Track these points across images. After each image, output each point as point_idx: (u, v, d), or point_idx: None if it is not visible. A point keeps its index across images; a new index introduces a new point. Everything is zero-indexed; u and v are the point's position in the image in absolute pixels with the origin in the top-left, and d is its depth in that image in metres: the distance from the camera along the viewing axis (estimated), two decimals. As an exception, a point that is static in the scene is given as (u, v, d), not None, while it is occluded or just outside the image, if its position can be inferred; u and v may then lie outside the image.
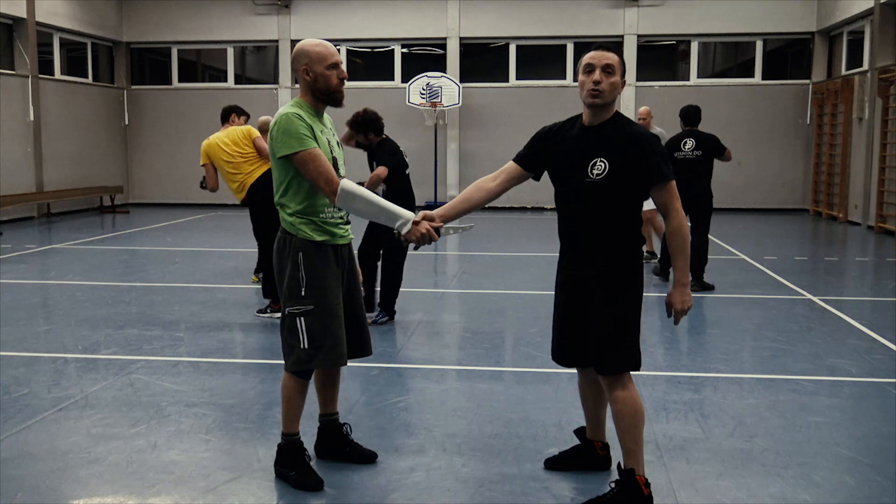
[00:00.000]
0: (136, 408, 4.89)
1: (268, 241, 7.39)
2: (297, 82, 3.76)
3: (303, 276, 3.68)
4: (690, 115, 9.09)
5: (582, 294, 3.57)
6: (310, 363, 3.73)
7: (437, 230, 3.66)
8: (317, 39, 3.77)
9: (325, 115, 3.88)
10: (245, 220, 11.18)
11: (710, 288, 8.83)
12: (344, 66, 3.78)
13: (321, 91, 3.70)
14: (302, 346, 3.70)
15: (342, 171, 3.80)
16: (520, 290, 8.97)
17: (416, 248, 3.81)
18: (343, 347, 3.76)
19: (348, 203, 3.60)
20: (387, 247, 7.08)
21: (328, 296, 3.71)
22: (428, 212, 3.71)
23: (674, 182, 3.46)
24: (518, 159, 3.80)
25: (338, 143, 3.89)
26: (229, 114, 8.04)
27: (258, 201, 7.42)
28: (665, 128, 11.21)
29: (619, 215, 3.49)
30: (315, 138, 3.64)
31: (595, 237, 3.51)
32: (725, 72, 19.38)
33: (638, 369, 3.57)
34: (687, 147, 8.93)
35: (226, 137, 7.63)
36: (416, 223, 3.62)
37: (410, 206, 7.02)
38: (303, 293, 3.69)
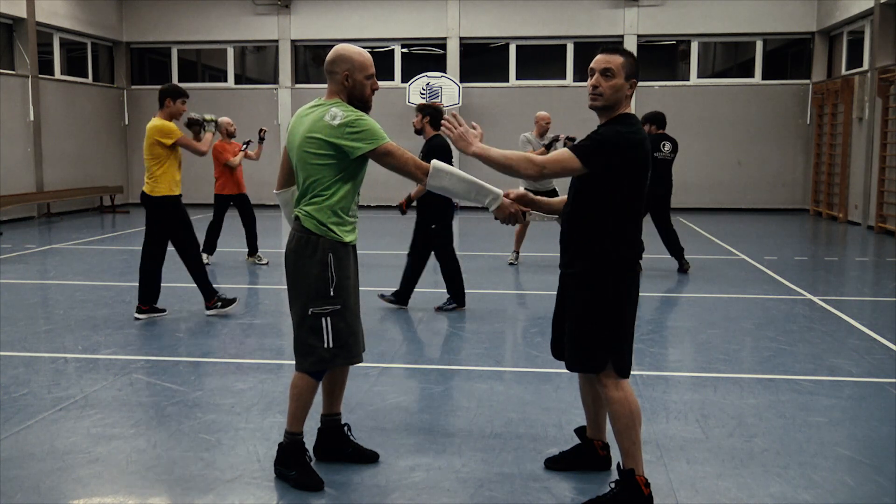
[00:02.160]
0: (136, 408, 4.89)
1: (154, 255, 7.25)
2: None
3: (332, 277, 3.71)
4: (662, 120, 10.00)
5: (565, 291, 3.67)
6: (332, 362, 3.76)
7: (524, 214, 3.74)
8: (355, 46, 3.81)
9: None
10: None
11: (687, 267, 9.83)
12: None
13: (357, 98, 3.76)
14: (326, 345, 3.72)
15: None
16: (520, 290, 8.97)
17: (503, 223, 3.90)
18: (360, 345, 3.86)
19: (439, 181, 3.71)
20: (427, 240, 7.67)
21: (351, 295, 3.79)
22: (521, 190, 3.82)
23: (567, 159, 3.37)
24: None
25: None
26: (164, 98, 7.14)
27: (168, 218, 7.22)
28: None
29: (591, 214, 3.49)
30: None
31: (572, 235, 3.57)
32: (725, 72, 19.38)
33: (623, 375, 3.55)
34: (666, 149, 9.89)
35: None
36: (506, 202, 3.72)
37: (448, 204, 7.59)
38: (331, 293, 3.71)
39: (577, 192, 3.53)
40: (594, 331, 3.49)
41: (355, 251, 3.92)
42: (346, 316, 3.75)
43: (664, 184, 9.84)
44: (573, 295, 3.57)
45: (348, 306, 3.76)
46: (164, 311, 7.42)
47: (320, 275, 3.71)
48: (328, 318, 3.71)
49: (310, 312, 3.73)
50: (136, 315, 7.26)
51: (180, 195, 7.25)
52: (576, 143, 3.45)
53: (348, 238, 3.78)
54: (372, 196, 18.72)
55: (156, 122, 7.08)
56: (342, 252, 3.75)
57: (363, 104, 3.79)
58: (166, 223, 7.19)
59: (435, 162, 3.72)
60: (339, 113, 3.66)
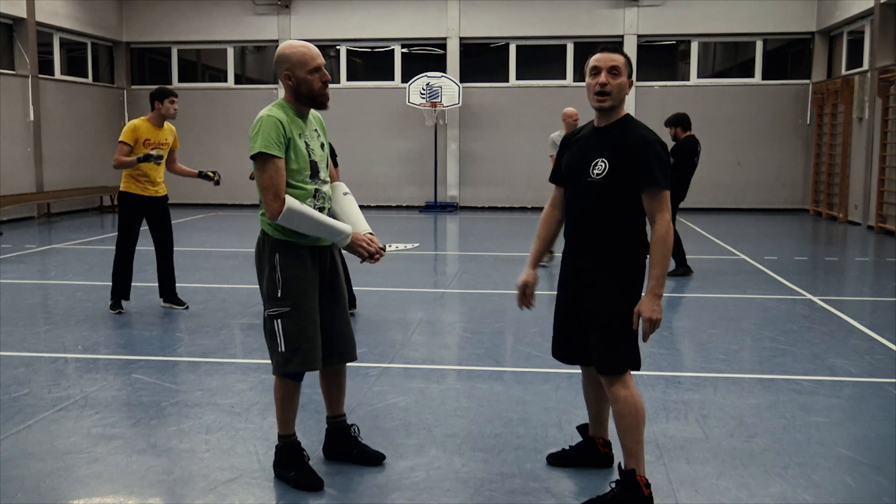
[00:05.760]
0: (136, 408, 4.89)
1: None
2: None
3: (279, 278, 3.65)
4: (689, 122, 9.70)
5: (582, 293, 3.59)
6: (286, 366, 3.69)
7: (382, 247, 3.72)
8: (299, 42, 3.71)
9: (313, 116, 3.82)
10: (243, 219, 11.19)
11: (690, 273, 9.60)
12: (327, 69, 3.73)
13: (304, 95, 3.65)
14: (280, 348, 3.67)
15: (322, 175, 3.74)
16: (520, 290, 8.94)
17: (361, 262, 3.84)
18: (318, 351, 3.71)
19: (291, 222, 3.54)
20: None
21: (304, 298, 3.66)
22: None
23: (667, 192, 3.41)
24: (553, 179, 3.85)
25: (322, 144, 3.80)
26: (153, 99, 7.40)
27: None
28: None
29: (618, 216, 3.48)
30: (289, 143, 3.59)
31: (595, 237, 3.52)
32: (725, 72, 19.38)
33: (637, 368, 3.58)
34: (699, 151, 9.55)
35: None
36: (357, 237, 3.65)
37: None
38: (279, 295, 3.65)
39: (596, 196, 3.48)
40: (623, 332, 3.47)
41: (322, 254, 3.77)
42: (299, 320, 3.64)
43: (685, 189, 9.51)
44: (596, 295, 3.51)
45: (301, 310, 3.64)
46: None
47: (269, 276, 3.67)
48: (279, 321, 3.64)
49: (266, 315, 3.70)
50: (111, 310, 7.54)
51: (143, 195, 7.45)
52: (652, 174, 3.38)
53: (297, 239, 3.65)
54: (370, 196, 18.72)
55: (130, 122, 7.41)
56: (290, 252, 3.65)
57: (313, 100, 3.67)
58: (122, 218, 7.59)
59: (290, 203, 3.51)
60: (260, 113, 3.63)
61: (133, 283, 7.81)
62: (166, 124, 7.48)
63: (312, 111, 3.82)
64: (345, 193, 3.95)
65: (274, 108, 3.64)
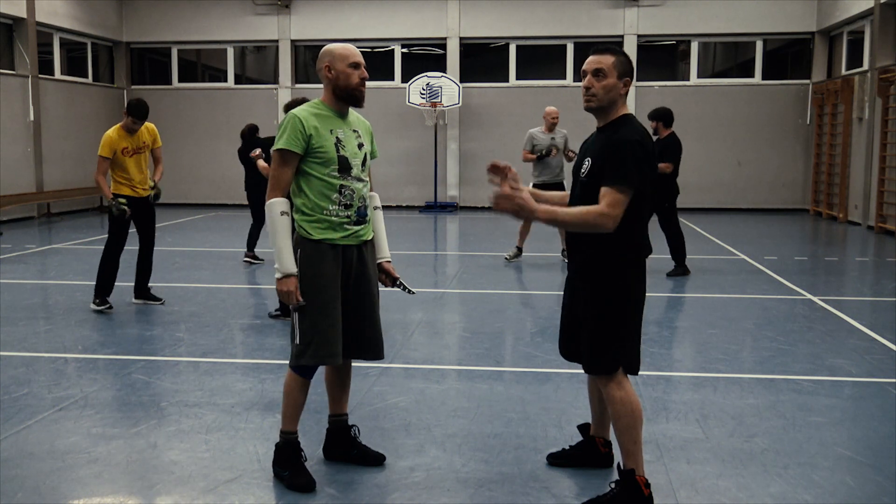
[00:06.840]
0: (136, 408, 4.89)
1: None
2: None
3: (299, 273, 3.72)
4: (671, 117, 9.55)
5: (576, 293, 3.63)
6: (300, 358, 3.77)
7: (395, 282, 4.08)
8: (343, 43, 3.86)
9: (358, 120, 3.92)
10: (243, 220, 11.21)
11: (688, 273, 9.57)
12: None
13: (341, 89, 3.75)
14: (297, 340, 3.77)
15: (354, 172, 3.78)
16: (520, 290, 8.97)
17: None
18: (334, 347, 3.75)
19: (268, 216, 3.70)
20: None
21: (320, 294, 3.72)
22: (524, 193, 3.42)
23: (625, 195, 3.32)
24: None
25: (359, 145, 3.85)
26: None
27: None
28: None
29: None
30: (311, 138, 3.66)
31: (585, 236, 3.53)
32: (725, 72, 19.37)
33: (633, 372, 3.58)
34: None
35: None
36: (286, 282, 3.65)
37: None
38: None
39: (583, 195, 3.49)
40: (609, 333, 3.48)
41: (346, 252, 3.80)
42: (313, 314, 3.71)
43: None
44: (584, 295, 3.55)
45: (316, 305, 3.71)
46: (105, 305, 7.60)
47: None
48: (297, 315, 3.74)
49: (291, 308, 3.78)
50: (91, 305, 7.62)
51: (134, 197, 7.56)
52: (612, 172, 3.34)
53: (320, 235, 3.72)
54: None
55: (105, 134, 7.44)
56: (310, 249, 3.72)
57: (349, 94, 3.77)
58: (113, 219, 7.62)
59: (275, 202, 3.67)
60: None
61: (132, 283, 7.81)
62: (144, 125, 7.56)
63: (359, 117, 3.95)
64: (375, 208, 4.01)
65: (303, 106, 3.78)
